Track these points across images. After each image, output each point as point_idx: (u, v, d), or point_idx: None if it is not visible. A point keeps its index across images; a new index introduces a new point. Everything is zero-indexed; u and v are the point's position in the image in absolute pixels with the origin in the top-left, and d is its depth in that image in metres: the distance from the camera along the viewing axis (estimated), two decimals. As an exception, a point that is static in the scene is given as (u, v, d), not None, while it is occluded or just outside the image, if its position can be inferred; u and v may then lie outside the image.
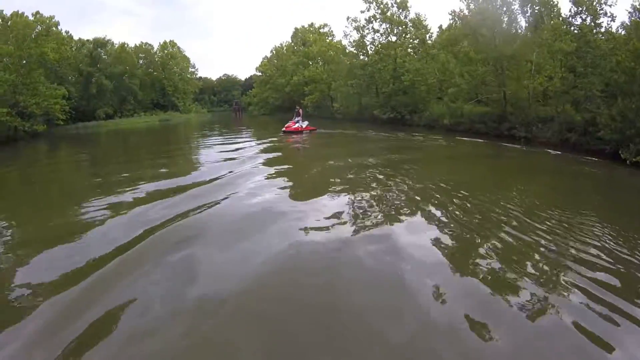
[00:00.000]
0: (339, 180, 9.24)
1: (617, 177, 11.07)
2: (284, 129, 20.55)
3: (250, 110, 57.92)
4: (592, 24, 16.55)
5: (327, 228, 5.85)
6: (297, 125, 20.56)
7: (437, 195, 7.84)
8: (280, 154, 15.11)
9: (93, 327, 3.35)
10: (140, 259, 4.70)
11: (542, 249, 5.02)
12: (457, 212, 6.65)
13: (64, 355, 3.00)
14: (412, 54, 23.28)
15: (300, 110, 21.65)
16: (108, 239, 5.42)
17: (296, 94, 41.52)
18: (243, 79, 79.95)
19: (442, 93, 22.66)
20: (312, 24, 43.86)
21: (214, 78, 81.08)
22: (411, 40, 24.05)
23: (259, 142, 18.71)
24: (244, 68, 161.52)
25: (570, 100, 17.00)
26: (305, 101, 34.99)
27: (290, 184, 9.23)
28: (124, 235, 5.49)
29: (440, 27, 27.03)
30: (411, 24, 24.80)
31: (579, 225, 5.90)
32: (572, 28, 17.07)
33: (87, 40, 39.61)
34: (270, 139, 19.51)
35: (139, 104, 43.58)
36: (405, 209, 7.09)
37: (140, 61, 47.35)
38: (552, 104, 18.02)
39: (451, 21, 19.72)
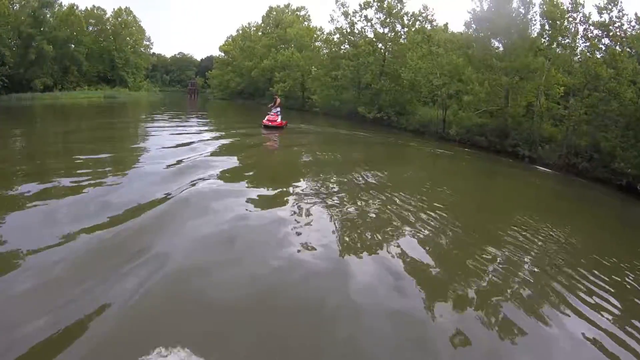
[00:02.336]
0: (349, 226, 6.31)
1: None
2: (265, 122, 17.25)
3: (207, 94, 52.99)
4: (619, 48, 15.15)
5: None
6: (279, 119, 17.33)
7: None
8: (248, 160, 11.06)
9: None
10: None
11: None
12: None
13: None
14: (409, 49, 20.83)
15: (278, 100, 18.37)
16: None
17: (262, 79, 37.91)
18: (199, 59, 76.00)
19: (431, 96, 20.93)
20: (288, 4, 40.39)
21: (168, 55, 75.19)
22: (410, 35, 21.57)
23: (226, 136, 15.18)
24: (201, 48, 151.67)
25: (584, 123, 15.73)
26: (273, 89, 31.55)
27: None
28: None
29: (446, 25, 25.26)
30: (413, 18, 22.49)
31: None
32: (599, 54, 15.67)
33: (33, -2, 32.48)
34: (239, 132, 16.55)
35: (83, 77, 37.42)
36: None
37: (90, 27, 41.15)
38: (563, 125, 16.77)
39: (470, 19, 17.35)
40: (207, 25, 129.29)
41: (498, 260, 5.41)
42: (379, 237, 5.73)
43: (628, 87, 13.92)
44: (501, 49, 17.33)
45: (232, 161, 10.12)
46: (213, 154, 10.73)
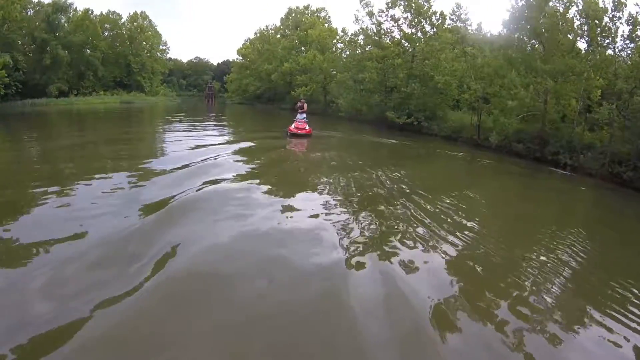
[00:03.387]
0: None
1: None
2: (292, 129, 16.13)
3: (224, 98, 52.99)
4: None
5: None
6: (307, 126, 16.46)
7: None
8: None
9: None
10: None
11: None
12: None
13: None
14: (440, 50, 20.04)
15: (305, 105, 17.27)
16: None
17: (282, 83, 37.50)
18: (216, 63, 77.70)
19: (465, 101, 20.08)
20: (308, 5, 39.96)
21: (184, 60, 76.50)
22: (442, 35, 20.73)
23: (248, 145, 14.30)
24: (218, 52, 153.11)
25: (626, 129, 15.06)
26: (295, 93, 31.07)
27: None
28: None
29: (479, 24, 24.27)
30: (442, 18, 21.70)
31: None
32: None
33: (47, 4, 32.97)
34: (262, 139, 16.15)
35: (99, 82, 37.62)
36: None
37: (105, 32, 41.68)
38: (603, 130, 16.19)
39: (508, 18, 16.44)
40: (224, 29, 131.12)
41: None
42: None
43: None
44: (541, 50, 16.36)
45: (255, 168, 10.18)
46: (235, 160, 10.82)
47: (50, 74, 31.02)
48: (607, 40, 16.63)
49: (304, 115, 16.68)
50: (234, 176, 8.61)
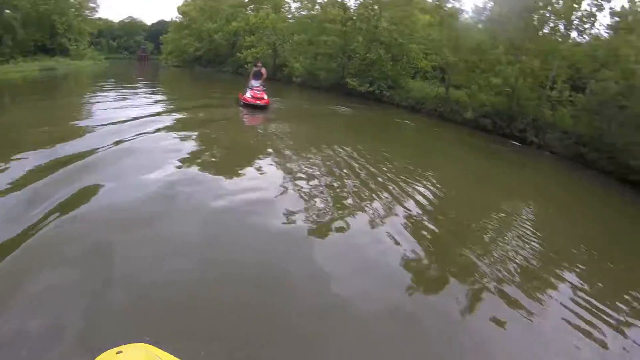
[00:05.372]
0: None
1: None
2: (247, 99, 13.17)
3: (159, 60, 47.44)
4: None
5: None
6: (266, 95, 13.46)
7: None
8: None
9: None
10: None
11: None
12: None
13: None
14: (411, 16, 18.61)
15: (264, 70, 14.05)
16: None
17: (226, 44, 33.92)
18: (150, 23, 70.19)
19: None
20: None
21: (115, 20, 67.81)
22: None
23: (182, 116, 11.16)
24: (152, 12, 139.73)
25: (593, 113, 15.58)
26: (242, 55, 27.98)
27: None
28: None
29: None
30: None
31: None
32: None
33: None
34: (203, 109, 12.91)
35: (18, 47, 30.54)
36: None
37: None
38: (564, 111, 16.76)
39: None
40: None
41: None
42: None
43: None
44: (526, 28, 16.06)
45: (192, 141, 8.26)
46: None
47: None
48: (585, 26, 16.93)
49: (262, 81, 13.70)
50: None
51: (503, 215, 6.91)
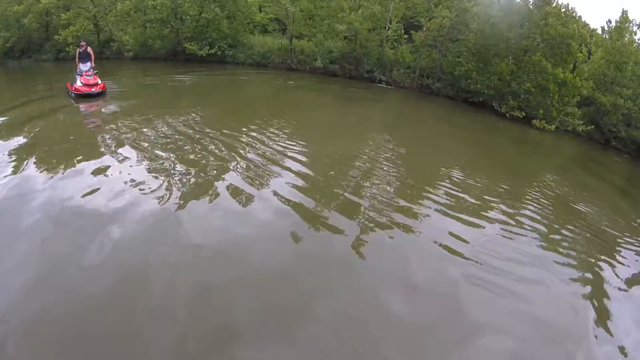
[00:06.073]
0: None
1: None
2: (80, 88, 10.64)
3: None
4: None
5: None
6: (99, 80, 10.96)
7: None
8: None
9: None
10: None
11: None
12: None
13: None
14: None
15: (90, 49, 11.46)
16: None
17: (38, 27, 27.90)
18: None
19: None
20: None
21: None
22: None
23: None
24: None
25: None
26: (60, 36, 23.24)
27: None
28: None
29: None
30: None
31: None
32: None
33: None
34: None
35: None
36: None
37: None
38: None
39: None
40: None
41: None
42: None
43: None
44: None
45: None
46: None
47: None
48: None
49: (91, 62, 11.18)
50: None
51: (372, 143, 7.95)
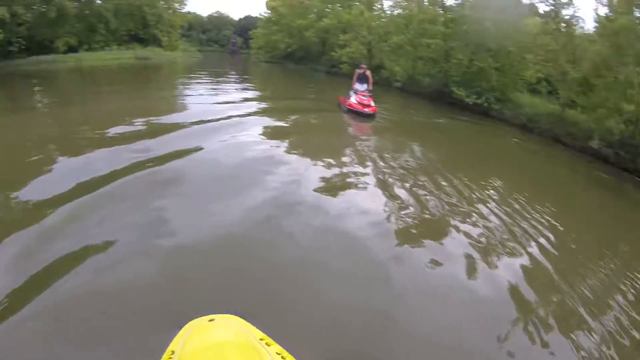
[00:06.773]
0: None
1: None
2: (354, 105, 12.21)
3: (249, 55, 49.96)
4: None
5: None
6: (372, 102, 12.40)
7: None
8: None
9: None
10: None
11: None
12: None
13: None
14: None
15: (369, 73, 12.97)
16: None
17: (317, 42, 34.33)
18: (237, 18, 75.30)
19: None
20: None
21: (204, 15, 73.50)
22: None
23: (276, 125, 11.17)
24: (238, 7, 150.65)
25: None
26: (336, 54, 28.23)
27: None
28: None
29: None
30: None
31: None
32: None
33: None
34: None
35: (112, 35, 34.56)
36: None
37: None
38: None
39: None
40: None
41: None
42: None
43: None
44: None
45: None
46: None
47: (56, 28, 28.41)
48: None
49: (368, 85, 12.66)
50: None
51: None
